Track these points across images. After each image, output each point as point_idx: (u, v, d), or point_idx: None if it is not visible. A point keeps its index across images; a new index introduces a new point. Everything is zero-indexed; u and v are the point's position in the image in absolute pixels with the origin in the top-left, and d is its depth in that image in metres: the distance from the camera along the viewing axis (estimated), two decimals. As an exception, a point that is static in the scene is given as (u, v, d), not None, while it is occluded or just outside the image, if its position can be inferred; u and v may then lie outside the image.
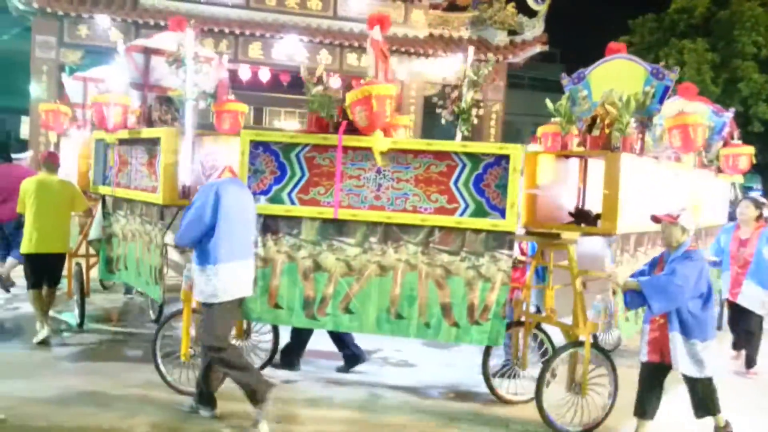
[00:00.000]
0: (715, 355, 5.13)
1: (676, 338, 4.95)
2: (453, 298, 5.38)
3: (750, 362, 7.48)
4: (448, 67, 20.22)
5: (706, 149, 7.86)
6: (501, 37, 20.66)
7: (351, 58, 19.26)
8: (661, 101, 5.87)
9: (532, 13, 20.72)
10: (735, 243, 7.54)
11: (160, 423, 5.15)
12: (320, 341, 6.68)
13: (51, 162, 7.28)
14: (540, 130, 7.80)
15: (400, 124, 6.68)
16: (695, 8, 20.90)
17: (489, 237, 5.31)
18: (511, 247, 5.35)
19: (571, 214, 5.89)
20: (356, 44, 18.81)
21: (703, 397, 5.08)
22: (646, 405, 5.17)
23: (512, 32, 20.84)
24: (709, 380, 5.04)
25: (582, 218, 5.77)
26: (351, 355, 6.61)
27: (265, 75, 18.66)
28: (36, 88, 17.05)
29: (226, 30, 17.82)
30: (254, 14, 18.59)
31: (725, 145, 8.40)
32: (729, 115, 8.13)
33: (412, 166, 5.44)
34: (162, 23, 16.12)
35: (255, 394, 4.97)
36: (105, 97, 6.85)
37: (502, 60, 20.38)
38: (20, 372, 6.07)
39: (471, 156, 5.37)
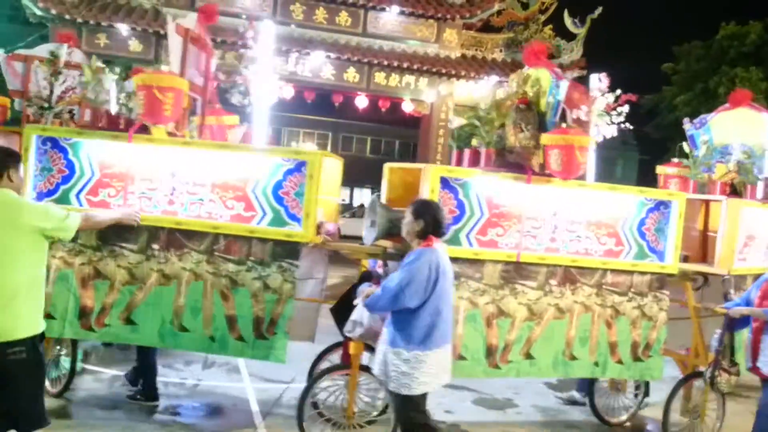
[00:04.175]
0: None
1: None
2: None
3: None
4: (480, 90, 19.42)
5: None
6: (537, 61, 19.73)
7: (379, 77, 18.45)
8: None
9: (570, 36, 19.82)
10: None
11: None
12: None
13: None
14: (660, 170, 7.12)
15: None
16: (747, 35, 19.79)
17: None
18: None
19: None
20: (385, 62, 18.02)
21: None
22: None
23: (549, 56, 19.90)
24: None
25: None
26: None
27: (288, 92, 18.00)
28: (51, 98, 16.45)
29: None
30: (280, 28, 17.82)
31: None
32: None
33: None
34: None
35: None
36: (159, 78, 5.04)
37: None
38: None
39: None
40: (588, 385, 6.36)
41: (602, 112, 5.52)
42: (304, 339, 5.43)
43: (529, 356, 5.34)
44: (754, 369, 5.40)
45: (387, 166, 5.58)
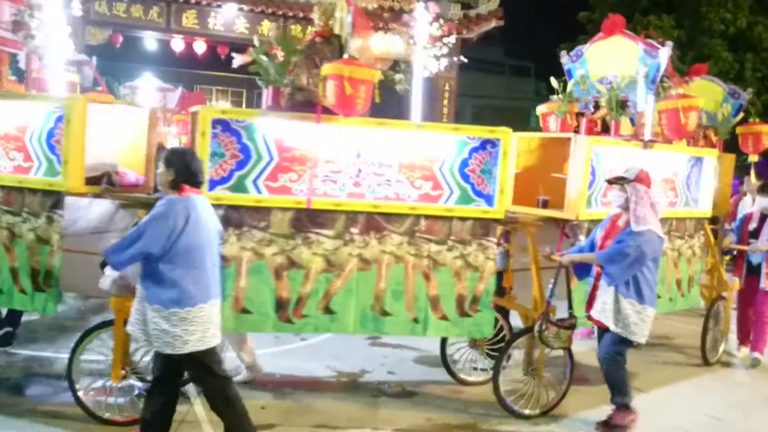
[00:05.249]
0: None
1: None
2: None
3: None
4: (398, 42, 19.08)
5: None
6: (455, 11, 19.51)
7: (296, 30, 17.87)
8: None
9: (487, -14, 19.64)
10: None
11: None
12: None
13: None
14: (538, 110, 6.70)
15: None
16: (658, -17, 20.17)
17: None
18: None
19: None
20: (301, 15, 17.42)
21: None
22: None
23: (466, 6, 19.71)
24: None
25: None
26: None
27: (200, 47, 17.24)
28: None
29: (157, -4, 16.27)
30: (187, -20, 17.01)
31: (744, 123, 7.52)
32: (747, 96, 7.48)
33: None
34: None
35: None
36: None
37: (456, 35, 19.28)
38: None
39: None
40: (441, 341, 6.00)
41: (427, 44, 5.21)
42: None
43: (328, 311, 5.01)
44: (590, 317, 5.22)
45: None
